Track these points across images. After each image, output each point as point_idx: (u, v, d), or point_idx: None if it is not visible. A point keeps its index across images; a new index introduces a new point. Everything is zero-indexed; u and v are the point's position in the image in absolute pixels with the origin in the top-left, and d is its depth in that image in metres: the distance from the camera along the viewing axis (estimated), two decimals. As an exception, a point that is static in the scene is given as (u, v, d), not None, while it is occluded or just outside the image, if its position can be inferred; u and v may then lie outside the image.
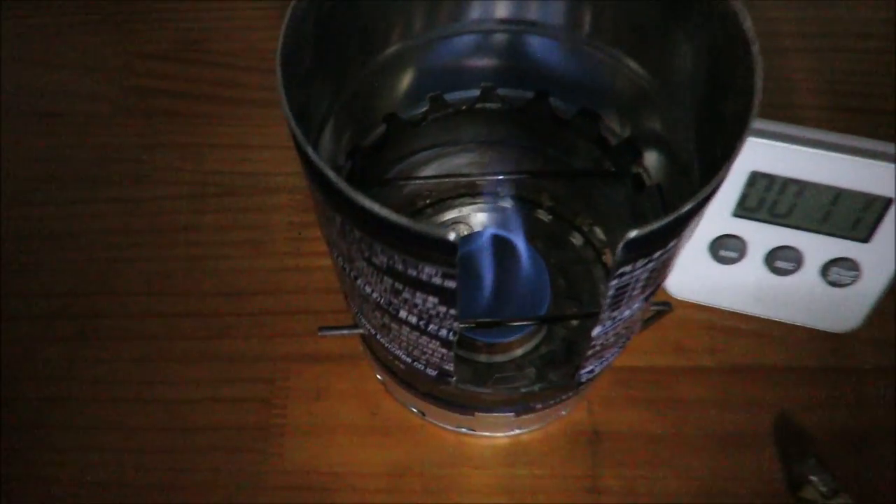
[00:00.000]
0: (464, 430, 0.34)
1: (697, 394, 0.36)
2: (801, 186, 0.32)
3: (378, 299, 0.24)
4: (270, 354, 0.37)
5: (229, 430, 0.35)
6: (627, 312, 0.24)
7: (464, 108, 0.34)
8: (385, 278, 0.22)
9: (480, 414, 0.31)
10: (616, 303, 0.22)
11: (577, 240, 0.38)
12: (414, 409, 0.35)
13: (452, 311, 0.22)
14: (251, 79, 0.45)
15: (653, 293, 0.25)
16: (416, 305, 0.23)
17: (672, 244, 0.21)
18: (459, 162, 0.37)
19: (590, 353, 0.26)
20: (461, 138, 0.35)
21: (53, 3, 0.48)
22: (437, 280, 0.21)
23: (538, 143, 0.35)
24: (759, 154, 0.31)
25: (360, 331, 0.30)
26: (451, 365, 0.26)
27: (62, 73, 0.45)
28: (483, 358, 0.31)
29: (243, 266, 0.39)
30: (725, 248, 0.34)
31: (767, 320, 0.37)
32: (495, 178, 0.35)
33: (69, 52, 0.46)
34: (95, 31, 0.47)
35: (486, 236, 0.37)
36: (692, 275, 0.36)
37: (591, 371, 0.28)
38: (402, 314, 0.24)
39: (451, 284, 0.21)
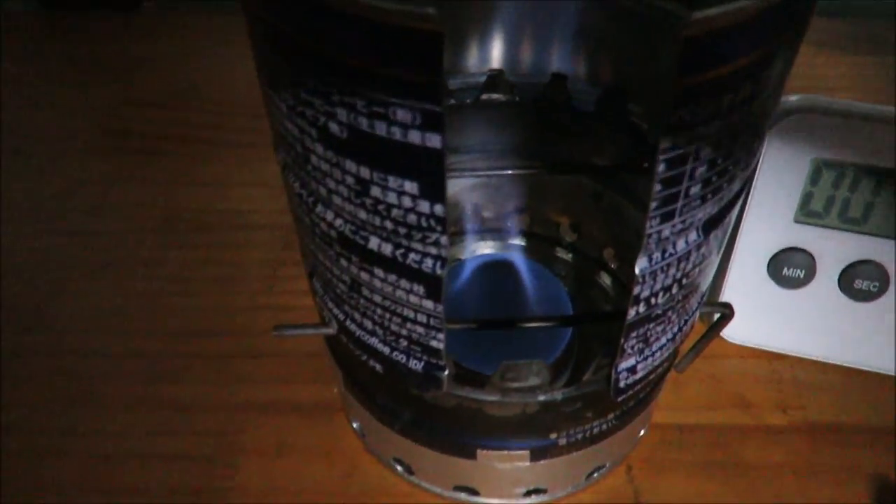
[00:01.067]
0: (463, 495, 0.26)
1: (769, 458, 0.27)
2: (880, 179, 0.26)
3: (342, 228, 0.18)
4: (226, 403, 0.29)
5: (160, 493, 0.27)
6: (682, 245, 0.18)
7: (468, 101, 0.29)
8: (348, 164, 0.16)
9: (485, 453, 0.23)
10: (666, 211, 0.16)
11: (604, 279, 0.32)
12: (399, 467, 0.27)
13: (438, 209, 0.16)
14: (235, 122, 0.41)
15: (716, 222, 0.18)
16: (389, 210, 0.16)
17: (749, 92, 0.15)
18: (459, 176, 0.32)
19: (633, 334, 0.19)
20: (463, 144, 0.30)
21: (44, 47, 0.46)
22: (415, 136, 0.15)
23: (557, 144, 0.30)
24: (823, 135, 0.26)
25: (327, 330, 0.23)
26: (440, 340, 0.19)
27: (42, 112, 0.42)
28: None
29: (207, 304, 0.33)
30: (789, 266, 0.28)
31: (848, 367, 0.30)
32: (503, 172, 0.29)
33: (51, 95, 0.43)
34: (81, 78, 0.44)
35: (494, 260, 0.31)
36: (750, 305, 0.29)
37: (633, 373, 0.21)
38: (373, 243, 0.18)
39: (435, 142, 0.15)
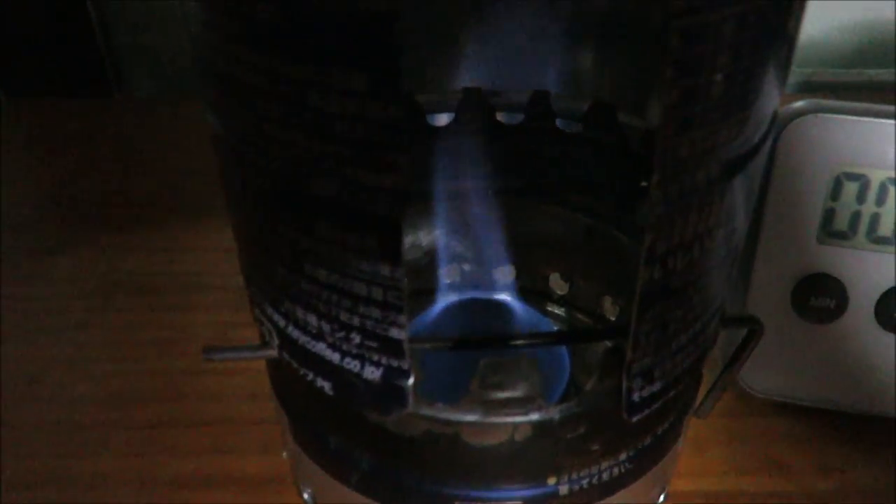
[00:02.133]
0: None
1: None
2: (909, 189, 0.23)
3: (278, 172, 0.14)
4: (147, 476, 0.24)
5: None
6: (702, 178, 0.14)
7: (443, 124, 0.26)
8: (280, 65, 0.13)
9: (464, 508, 0.18)
10: (683, 115, 0.13)
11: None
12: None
13: (395, 112, 0.12)
14: (188, 189, 0.38)
15: (739, 167, 0.15)
16: (333, 124, 0.13)
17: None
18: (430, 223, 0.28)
19: (647, 314, 0.15)
20: (436, 173, 0.27)
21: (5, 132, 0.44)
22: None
23: (541, 171, 0.27)
24: (838, 140, 0.23)
25: (268, 352, 0.19)
26: (401, 327, 0.15)
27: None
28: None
29: (141, 369, 0.28)
30: (816, 295, 0.24)
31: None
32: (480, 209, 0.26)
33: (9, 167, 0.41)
34: (35, 152, 0.42)
35: (477, 300, 0.27)
36: (773, 347, 0.25)
37: (649, 381, 0.16)
38: (316, 183, 0.14)
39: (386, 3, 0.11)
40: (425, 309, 0.26)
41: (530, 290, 0.30)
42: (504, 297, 0.29)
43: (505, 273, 0.29)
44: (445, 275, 0.29)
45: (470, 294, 0.29)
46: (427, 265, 0.29)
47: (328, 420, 0.19)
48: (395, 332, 0.15)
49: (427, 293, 0.29)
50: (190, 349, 0.29)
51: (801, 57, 0.55)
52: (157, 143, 0.43)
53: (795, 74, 0.54)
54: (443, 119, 0.26)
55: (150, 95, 0.51)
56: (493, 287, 0.30)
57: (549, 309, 0.29)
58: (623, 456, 0.19)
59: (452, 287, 0.30)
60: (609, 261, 0.27)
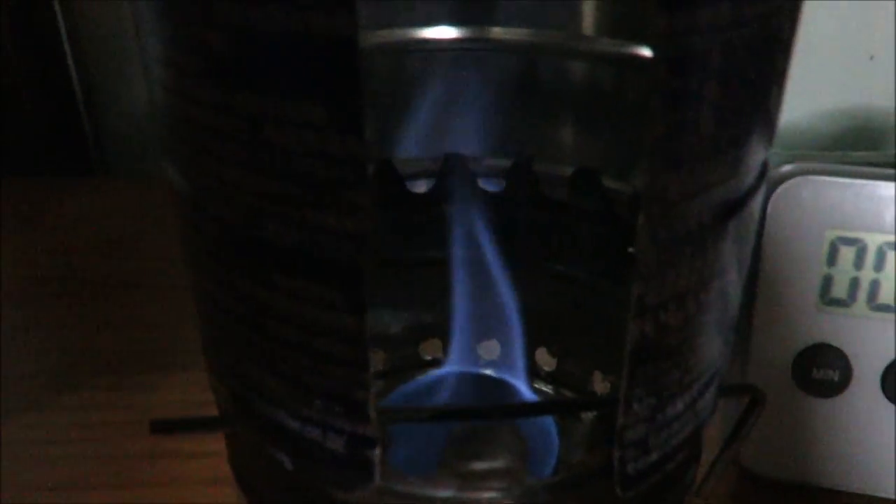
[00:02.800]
0: None
1: None
2: (907, 254, 0.22)
3: (235, 220, 0.13)
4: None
5: None
6: (694, 223, 0.13)
7: (422, 191, 0.25)
8: (237, 99, 0.12)
9: None
10: (670, 149, 0.12)
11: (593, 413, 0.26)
12: None
13: (352, 143, 0.11)
14: (161, 269, 0.37)
15: (732, 212, 0.13)
16: (289, 158, 0.12)
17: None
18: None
19: (639, 373, 0.13)
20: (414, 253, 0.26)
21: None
22: (319, 20, 0.11)
23: (525, 241, 0.26)
24: (829, 203, 0.22)
25: (224, 425, 0.17)
26: (365, 387, 0.13)
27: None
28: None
29: (97, 452, 0.26)
30: (818, 367, 0.23)
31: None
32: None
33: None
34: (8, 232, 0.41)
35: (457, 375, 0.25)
36: (774, 423, 0.23)
37: (644, 451, 0.15)
38: (273, 231, 0.13)
39: (344, 25, 0.11)
40: (401, 385, 0.25)
41: (517, 367, 0.29)
42: (488, 372, 0.28)
43: (488, 349, 0.28)
44: (426, 351, 0.28)
45: (451, 370, 0.27)
46: (407, 340, 0.28)
47: (290, 502, 0.17)
48: (360, 395, 0.14)
49: (406, 370, 0.27)
50: (145, 430, 0.27)
51: (782, 141, 0.56)
52: (134, 223, 0.43)
53: (780, 156, 0.54)
54: (423, 186, 0.26)
55: (133, 177, 0.51)
56: (477, 363, 0.29)
57: (536, 386, 0.28)
58: (617, 541, 0.17)
59: (433, 363, 0.28)
60: (598, 334, 0.26)
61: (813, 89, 0.52)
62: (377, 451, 0.14)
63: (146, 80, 0.15)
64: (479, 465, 0.15)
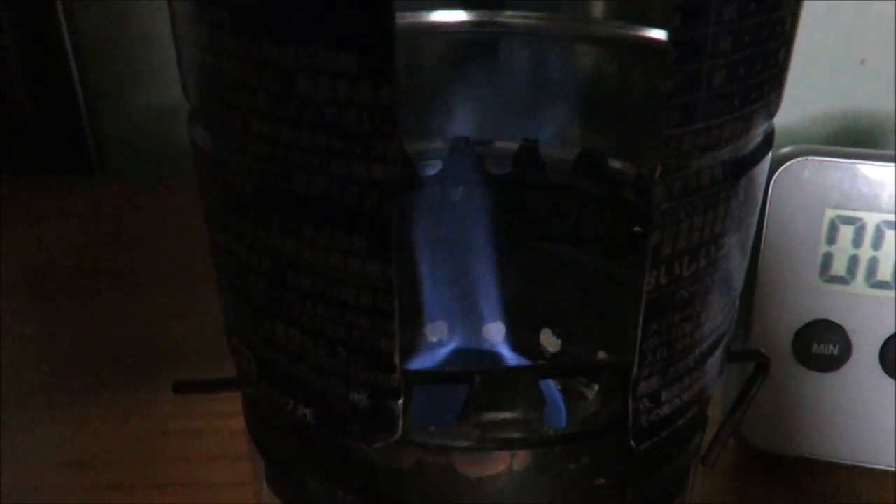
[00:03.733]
0: None
1: None
2: (903, 232, 0.23)
3: (261, 172, 0.14)
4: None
5: None
6: (707, 178, 0.13)
7: (431, 174, 0.26)
8: (266, 48, 0.12)
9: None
10: (685, 103, 0.12)
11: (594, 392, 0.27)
12: None
13: (385, 94, 0.12)
14: (169, 263, 0.37)
15: (744, 168, 0.14)
16: (322, 112, 0.12)
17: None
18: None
19: (653, 326, 0.14)
20: (423, 225, 0.26)
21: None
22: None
23: (532, 224, 0.26)
24: (829, 184, 0.23)
25: (246, 385, 0.17)
26: (392, 336, 0.14)
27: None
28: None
29: (104, 429, 0.26)
30: (818, 342, 0.23)
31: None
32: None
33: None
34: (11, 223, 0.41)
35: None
36: (776, 398, 0.24)
37: (657, 403, 0.15)
38: (301, 182, 0.13)
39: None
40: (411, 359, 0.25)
41: (521, 349, 0.29)
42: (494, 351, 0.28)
43: (495, 330, 0.28)
44: (432, 332, 0.28)
45: (456, 348, 0.28)
46: (412, 322, 0.28)
47: (308, 459, 0.17)
48: (384, 344, 0.14)
49: (411, 352, 0.28)
50: (156, 410, 0.27)
51: (776, 143, 0.57)
52: (135, 221, 0.43)
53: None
54: (431, 169, 0.26)
55: (131, 176, 0.51)
56: (481, 344, 0.29)
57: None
58: (629, 496, 0.17)
59: (439, 345, 0.29)
60: (603, 316, 0.26)
61: (805, 93, 0.53)
62: (400, 403, 0.15)
63: (173, 41, 0.15)
64: (497, 416, 0.15)
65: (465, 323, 0.28)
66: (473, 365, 0.24)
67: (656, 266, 0.14)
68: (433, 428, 0.15)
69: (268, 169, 0.14)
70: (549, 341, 0.28)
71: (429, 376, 0.17)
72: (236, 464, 0.24)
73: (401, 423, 0.15)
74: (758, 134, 0.15)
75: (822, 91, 0.54)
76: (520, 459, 0.15)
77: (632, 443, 0.15)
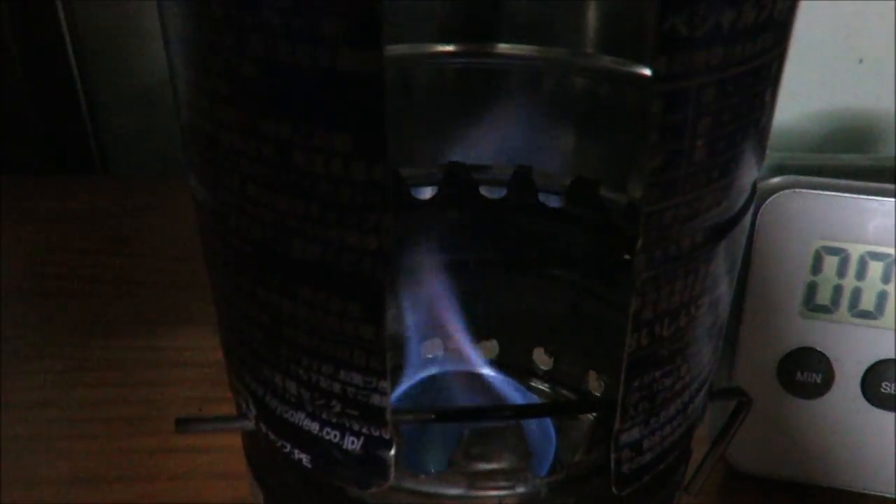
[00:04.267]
0: None
1: None
2: (888, 264, 0.23)
3: (259, 236, 0.14)
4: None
5: None
6: (687, 244, 0.14)
7: (425, 198, 0.26)
8: (264, 125, 0.13)
9: None
10: (666, 180, 0.13)
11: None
12: None
13: (377, 173, 0.12)
14: (167, 268, 0.38)
15: (724, 232, 0.15)
16: (316, 185, 0.13)
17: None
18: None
19: (635, 383, 0.15)
20: (417, 249, 0.27)
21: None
22: (346, 57, 0.11)
23: (525, 246, 0.27)
24: (816, 216, 0.23)
25: (245, 423, 0.18)
26: (383, 393, 0.14)
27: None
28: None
29: (107, 447, 0.27)
30: (802, 371, 0.24)
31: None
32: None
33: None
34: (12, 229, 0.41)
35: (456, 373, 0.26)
36: (761, 423, 0.24)
37: (638, 452, 0.16)
38: (297, 248, 0.14)
39: (371, 62, 0.11)
40: (404, 384, 0.26)
41: (513, 366, 0.30)
42: (487, 371, 0.29)
43: (488, 348, 0.29)
44: (426, 350, 0.29)
45: (451, 368, 0.28)
46: (407, 340, 0.29)
47: (306, 497, 0.18)
48: (376, 400, 0.15)
49: (407, 369, 0.28)
50: (160, 426, 0.28)
51: (774, 143, 0.57)
52: (136, 219, 0.43)
53: (771, 158, 0.56)
54: (426, 192, 0.26)
55: (133, 175, 0.51)
56: (475, 363, 0.30)
57: (533, 385, 0.29)
58: (612, 535, 0.18)
59: (433, 362, 0.29)
60: (593, 336, 0.27)
61: (803, 92, 0.53)
62: (392, 452, 0.15)
63: (173, 98, 0.16)
64: (486, 467, 0.16)
65: (458, 342, 0.29)
66: (464, 397, 0.24)
67: (637, 329, 0.14)
68: (424, 476, 0.16)
69: (266, 232, 0.14)
70: (542, 359, 0.29)
71: (416, 419, 0.18)
72: (239, 482, 0.24)
73: (393, 471, 0.15)
74: (741, 196, 0.15)
75: (819, 90, 0.54)
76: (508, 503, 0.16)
77: (614, 490, 0.16)
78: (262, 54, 0.12)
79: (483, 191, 0.26)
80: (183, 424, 0.19)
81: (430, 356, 0.29)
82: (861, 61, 0.54)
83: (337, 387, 0.15)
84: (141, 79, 0.50)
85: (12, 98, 0.50)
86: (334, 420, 0.15)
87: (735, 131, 0.13)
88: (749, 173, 0.15)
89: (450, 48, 0.25)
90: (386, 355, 0.14)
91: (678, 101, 0.12)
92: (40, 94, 0.51)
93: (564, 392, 0.28)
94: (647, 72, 0.22)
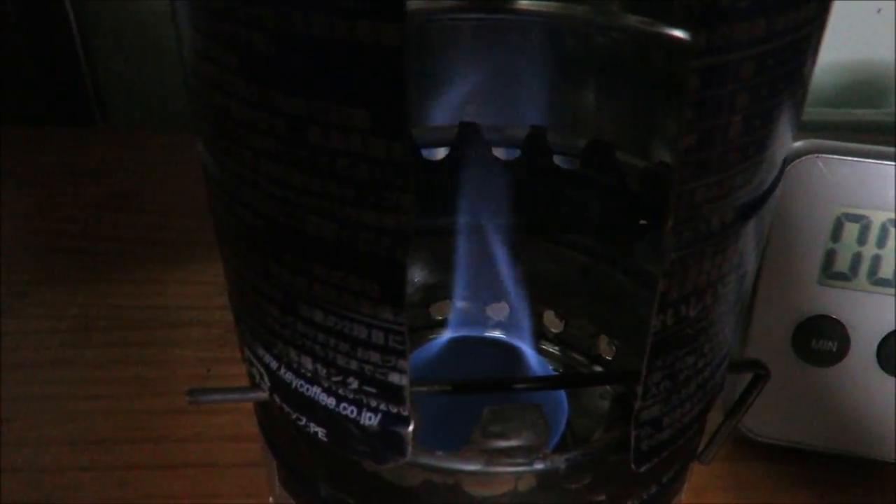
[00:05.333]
0: None
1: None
2: (909, 231, 0.23)
3: (273, 212, 0.14)
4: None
5: None
6: (717, 223, 0.13)
7: (438, 159, 0.26)
8: (278, 99, 0.12)
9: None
10: (700, 159, 0.12)
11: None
12: None
13: (397, 151, 0.12)
14: (174, 224, 0.37)
15: (755, 208, 0.14)
16: (333, 162, 0.12)
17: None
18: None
19: (658, 362, 0.14)
20: (429, 210, 0.27)
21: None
22: (365, 29, 0.11)
23: (538, 209, 0.26)
24: (837, 182, 0.23)
25: (257, 394, 0.18)
26: (402, 372, 0.14)
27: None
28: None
29: (118, 408, 0.27)
30: (818, 338, 0.24)
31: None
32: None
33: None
34: (15, 184, 0.41)
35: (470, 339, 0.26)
36: (774, 390, 0.24)
37: (658, 429, 0.16)
38: (312, 225, 0.13)
39: (392, 37, 0.11)
40: (416, 347, 0.26)
41: (524, 328, 0.29)
42: (498, 335, 0.29)
43: (498, 310, 0.29)
44: (437, 311, 0.29)
45: (462, 332, 0.28)
46: (419, 301, 0.28)
47: (320, 467, 0.18)
48: (395, 378, 0.14)
49: (418, 330, 0.28)
50: (170, 387, 0.28)
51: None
52: (139, 173, 0.42)
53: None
54: (438, 153, 0.26)
55: (133, 126, 0.50)
56: (485, 324, 0.30)
57: (544, 347, 0.28)
58: (628, 506, 0.18)
59: (444, 324, 0.29)
60: (605, 300, 0.26)
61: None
62: (410, 429, 0.15)
63: (181, 64, 0.15)
64: (504, 444, 0.15)
65: (470, 304, 0.28)
66: (475, 357, 0.24)
67: (664, 309, 0.14)
68: (441, 452, 0.15)
69: (279, 207, 0.14)
70: (553, 322, 0.28)
71: (433, 391, 0.18)
72: (250, 444, 0.24)
73: (410, 447, 0.15)
74: (773, 173, 0.15)
75: (835, 40, 0.52)
76: (525, 481, 0.16)
77: (633, 466, 0.16)
78: (275, 25, 0.12)
79: (496, 152, 0.26)
80: (195, 395, 0.18)
81: (441, 318, 0.29)
82: (879, 11, 0.53)
83: (354, 364, 0.15)
84: (141, 25, 0.49)
85: (9, 48, 0.49)
86: (351, 396, 0.15)
87: (772, 107, 0.13)
88: (783, 149, 0.14)
89: (466, 3, 0.24)
90: (406, 335, 0.14)
91: (717, 76, 0.12)
92: (37, 44, 0.49)
93: (575, 355, 0.28)
94: (675, 33, 0.21)
